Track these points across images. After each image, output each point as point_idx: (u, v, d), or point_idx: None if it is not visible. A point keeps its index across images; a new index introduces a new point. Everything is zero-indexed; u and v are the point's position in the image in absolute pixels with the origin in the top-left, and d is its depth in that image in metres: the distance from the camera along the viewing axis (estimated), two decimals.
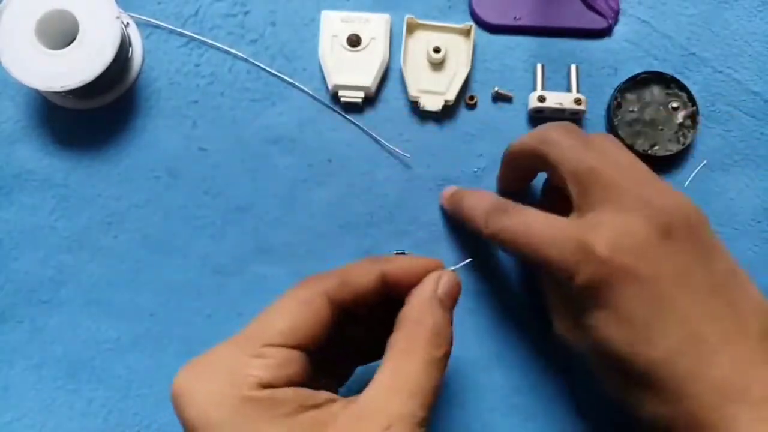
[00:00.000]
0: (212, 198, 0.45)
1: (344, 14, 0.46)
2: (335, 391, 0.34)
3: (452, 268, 0.33)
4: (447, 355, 0.29)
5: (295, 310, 0.28)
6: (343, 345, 0.33)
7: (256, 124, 0.46)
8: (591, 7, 0.47)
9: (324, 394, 0.27)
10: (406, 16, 0.46)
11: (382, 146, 0.46)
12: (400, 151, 0.46)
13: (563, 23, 0.47)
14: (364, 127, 0.46)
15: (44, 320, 0.44)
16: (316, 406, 0.26)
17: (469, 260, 0.38)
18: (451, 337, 0.30)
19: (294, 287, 0.30)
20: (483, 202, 0.37)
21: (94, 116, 0.46)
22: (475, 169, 0.46)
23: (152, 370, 0.44)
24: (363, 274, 0.31)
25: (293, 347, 0.27)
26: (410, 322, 0.29)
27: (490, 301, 0.44)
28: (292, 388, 0.26)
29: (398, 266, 0.31)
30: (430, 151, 0.46)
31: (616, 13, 0.47)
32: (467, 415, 0.43)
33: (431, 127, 0.46)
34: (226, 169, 0.46)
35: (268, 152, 0.46)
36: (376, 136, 0.46)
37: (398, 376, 0.27)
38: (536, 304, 0.44)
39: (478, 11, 0.47)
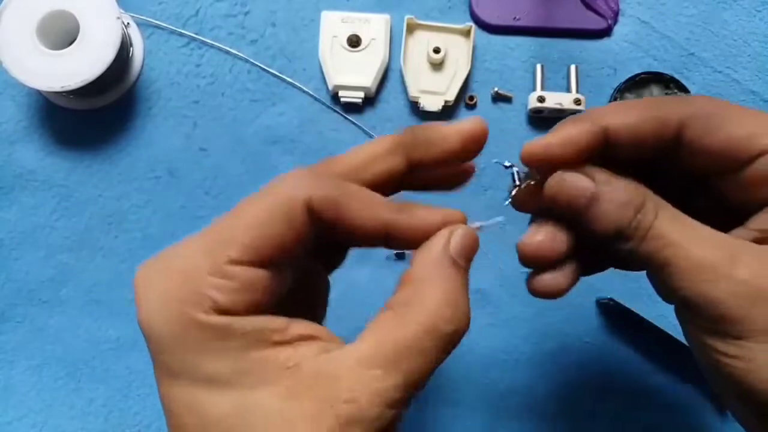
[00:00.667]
0: (213, 198, 0.45)
1: (344, 15, 0.46)
2: (324, 278, 0.30)
3: (479, 223, 0.27)
4: (458, 334, 0.23)
5: (267, 219, 0.22)
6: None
7: (257, 124, 0.46)
8: (590, 8, 0.47)
9: (296, 328, 0.22)
10: (406, 17, 0.46)
11: None
12: None
13: (563, 24, 0.47)
14: (364, 127, 0.46)
15: (45, 320, 0.44)
16: (280, 344, 0.22)
17: (499, 218, 0.28)
18: (468, 311, 0.23)
19: (280, 181, 0.24)
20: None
21: (94, 116, 0.46)
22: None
23: (152, 369, 0.44)
24: (363, 214, 0.24)
25: (260, 265, 0.22)
26: (415, 284, 0.23)
27: (489, 301, 0.44)
28: (255, 316, 0.22)
29: (408, 223, 0.24)
30: None
31: (616, 13, 0.47)
32: (465, 415, 0.43)
33: None
34: (227, 169, 0.46)
35: (268, 152, 0.46)
36: (376, 136, 0.46)
37: (382, 344, 0.22)
38: (536, 305, 0.45)
39: (478, 12, 0.47)
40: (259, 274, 0.22)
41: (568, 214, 0.26)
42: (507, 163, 0.31)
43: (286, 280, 0.24)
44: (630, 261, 0.26)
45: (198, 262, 0.22)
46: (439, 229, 0.25)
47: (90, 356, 0.44)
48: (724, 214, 0.26)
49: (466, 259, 0.25)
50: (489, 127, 0.46)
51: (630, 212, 0.25)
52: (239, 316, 0.22)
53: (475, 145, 0.26)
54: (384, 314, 0.23)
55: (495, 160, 0.33)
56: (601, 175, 0.26)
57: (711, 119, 0.25)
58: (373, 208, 0.24)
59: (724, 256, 0.24)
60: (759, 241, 0.25)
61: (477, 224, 0.27)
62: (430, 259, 0.24)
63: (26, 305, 0.45)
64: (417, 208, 0.25)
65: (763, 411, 0.24)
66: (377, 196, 0.24)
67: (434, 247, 0.24)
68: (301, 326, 0.23)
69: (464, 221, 0.26)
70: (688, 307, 0.25)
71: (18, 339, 0.44)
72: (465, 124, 0.26)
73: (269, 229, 0.22)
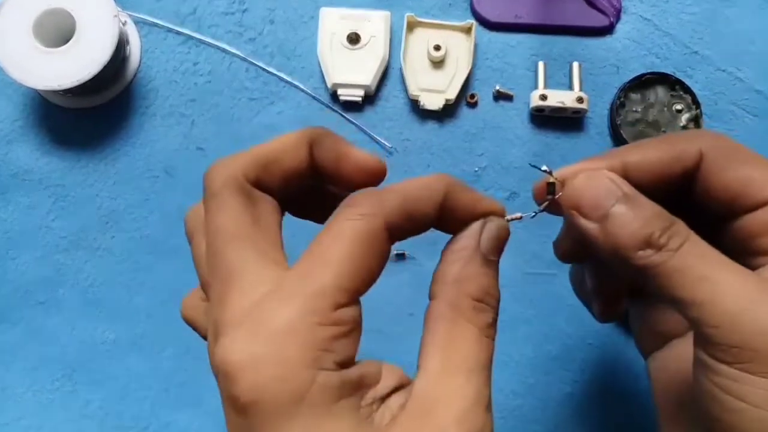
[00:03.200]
0: None
1: (343, 11, 0.46)
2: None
3: (519, 214, 0.27)
4: (496, 318, 0.24)
5: (358, 253, 0.22)
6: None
7: (255, 123, 0.46)
8: (593, 5, 0.47)
9: (389, 380, 0.23)
10: (407, 14, 0.45)
11: (382, 146, 0.46)
12: (399, 150, 0.45)
13: (565, 21, 0.47)
14: (364, 126, 0.46)
15: (41, 321, 0.44)
16: (381, 400, 0.22)
17: (535, 213, 0.28)
18: (498, 296, 0.24)
19: (352, 210, 0.23)
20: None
21: (91, 115, 0.46)
22: (476, 169, 0.45)
23: (149, 371, 0.44)
24: (424, 199, 0.24)
25: (357, 301, 0.22)
26: (451, 286, 0.24)
27: None
28: (355, 367, 0.22)
29: (462, 201, 0.25)
30: (431, 151, 0.46)
31: (618, 11, 0.47)
32: None
33: (431, 125, 0.46)
34: None
35: None
36: (375, 135, 0.46)
37: (451, 353, 0.23)
38: (537, 307, 0.44)
39: (479, 9, 0.47)
40: (358, 310, 0.22)
41: (594, 219, 0.25)
42: (545, 168, 0.28)
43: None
44: (642, 276, 0.24)
45: (309, 318, 0.21)
46: (480, 216, 0.25)
47: (86, 358, 0.44)
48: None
49: (496, 251, 0.25)
50: (491, 125, 0.47)
51: (664, 222, 0.24)
52: (348, 369, 0.21)
53: (371, 178, 0.28)
54: (434, 325, 0.23)
55: (532, 163, 0.30)
56: (631, 188, 0.25)
57: (723, 159, 0.26)
58: (430, 186, 0.24)
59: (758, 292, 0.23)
60: None
61: (518, 215, 0.27)
62: (462, 257, 0.24)
63: (22, 306, 0.44)
64: (468, 192, 0.25)
65: None
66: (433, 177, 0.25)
67: (466, 246, 0.25)
68: (389, 379, 0.23)
69: (503, 215, 0.26)
70: (696, 323, 0.23)
71: (14, 340, 0.44)
72: (368, 159, 0.28)
73: (364, 266, 0.22)
